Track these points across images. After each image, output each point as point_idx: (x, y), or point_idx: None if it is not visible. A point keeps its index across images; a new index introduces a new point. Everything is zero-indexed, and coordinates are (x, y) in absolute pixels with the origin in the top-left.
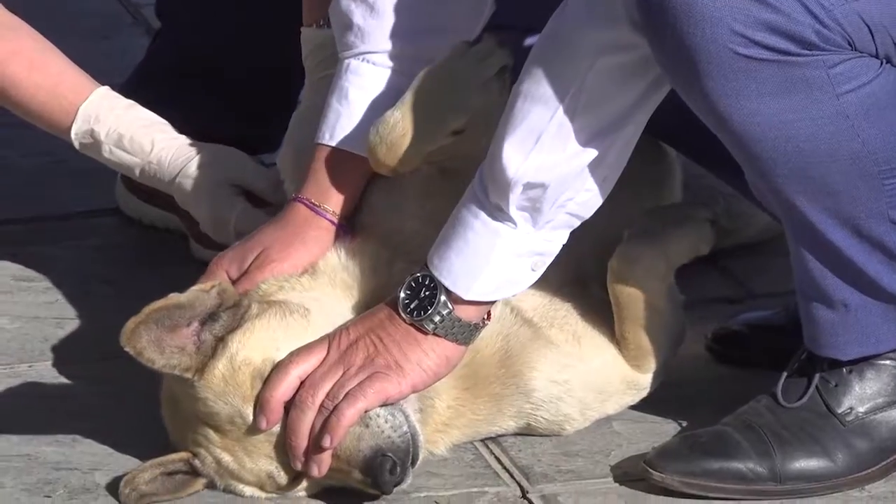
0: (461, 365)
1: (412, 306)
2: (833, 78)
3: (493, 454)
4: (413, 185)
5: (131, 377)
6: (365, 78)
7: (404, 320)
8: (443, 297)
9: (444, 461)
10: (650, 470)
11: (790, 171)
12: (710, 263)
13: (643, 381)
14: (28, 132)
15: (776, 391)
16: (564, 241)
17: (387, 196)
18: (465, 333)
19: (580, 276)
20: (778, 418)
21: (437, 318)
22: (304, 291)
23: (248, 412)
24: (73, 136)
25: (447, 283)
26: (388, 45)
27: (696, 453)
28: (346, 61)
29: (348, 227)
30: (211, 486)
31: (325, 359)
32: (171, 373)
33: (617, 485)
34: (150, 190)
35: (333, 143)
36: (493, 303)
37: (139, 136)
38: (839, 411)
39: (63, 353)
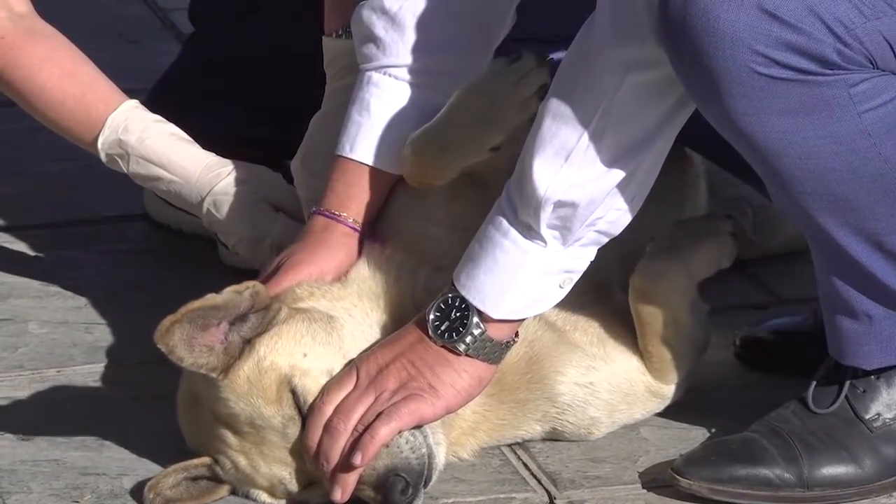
0: None
1: (443, 328)
2: (854, 97)
3: (521, 460)
4: (438, 190)
5: (159, 382)
6: (386, 91)
7: (435, 342)
8: (475, 319)
9: (471, 467)
10: (678, 476)
11: (812, 189)
12: (739, 270)
13: (667, 391)
14: (55, 137)
15: (806, 397)
16: (592, 258)
17: (411, 201)
18: (496, 353)
19: (603, 280)
20: (805, 424)
21: (468, 339)
22: (333, 301)
23: (269, 415)
24: (99, 146)
25: (476, 302)
26: (409, 59)
27: (724, 460)
28: (368, 73)
29: (373, 234)
30: (235, 492)
31: (356, 384)
32: (197, 371)
33: (644, 491)
34: None
35: (354, 156)
36: (522, 321)
37: (167, 149)
38: (867, 417)
39: (91, 358)
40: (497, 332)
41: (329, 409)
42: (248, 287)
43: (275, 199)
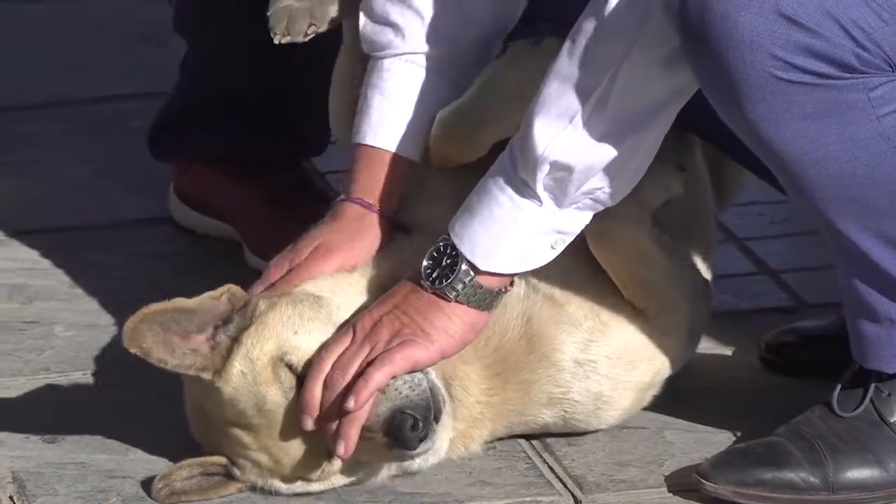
0: (490, 351)
1: (434, 275)
2: (873, 100)
3: (547, 463)
4: (467, 177)
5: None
6: (407, 79)
7: (426, 290)
8: (464, 266)
9: (497, 470)
10: (703, 480)
11: (831, 192)
12: (765, 273)
13: (669, 343)
14: (78, 140)
15: (831, 401)
16: (588, 223)
17: (421, 185)
18: (487, 300)
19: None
20: (830, 428)
21: (459, 286)
22: (336, 285)
23: (272, 395)
24: None
25: (467, 252)
26: (428, 46)
27: (749, 463)
28: (387, 61)
29: (400, 223)
30: (254, 488)
31: (352, 340)
32: (188, 373)
33: (670, 495)
34: (204, 200)
35: (377, 144)
36: (513, 275)
37: None
38: (892, 420)
39: (117, 361)
40: (487, 282)
41: (327, 366)
42: (224, 291)
43: None
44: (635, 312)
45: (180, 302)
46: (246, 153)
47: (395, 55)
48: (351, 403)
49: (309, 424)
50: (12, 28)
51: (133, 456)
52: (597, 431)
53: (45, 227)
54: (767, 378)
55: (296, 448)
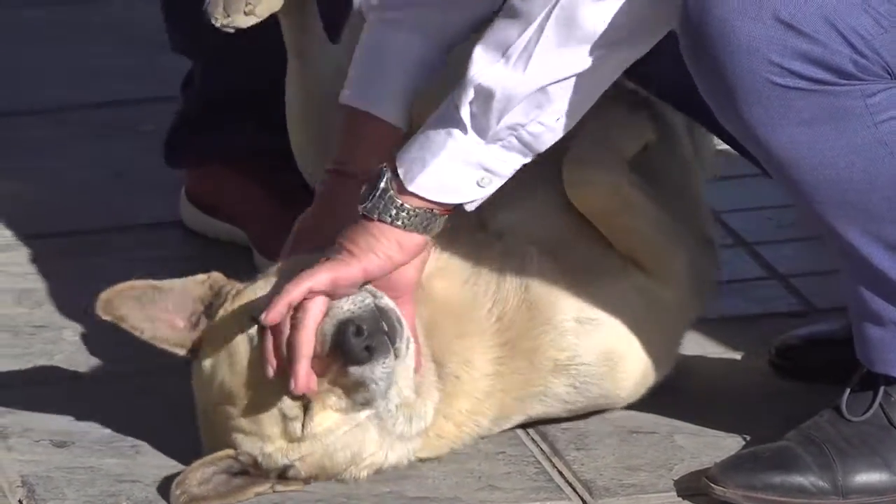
0: (492, 321)
1: (365, 197)
2: (871, 107)
3: (556, 468)
4: None
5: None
6: (393, 42)
7: (360, 214)
8: (383, 184)
9: (506, 475)
10: (712, 484)
11: (830, 197)
12: (774, 277)
13: (669, 295)
14: (85, 144)
15: (840, 405)
16: (517, 168)
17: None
18: (412, 220)
19: None
20: (840, 432)
21: (381, 205)
22: None
23: (241, 348)
24: None
25: (397, 171)
26: (415, 11)
27: (758, 467)
28: (375, 24)
29: None
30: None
31: (299, 280)
32: (163, 347)
33: (679, 499)
34: (214, 203)
35: (363, 107)
36: (440, 203)
37: None
38: None
39: (126, 366)
40: (410, 202)
41: (278, 308)
42: (206, 278)
43: None
44: (633, 268)
45: (159, 282)
46: (256, 153)
47: (382, 19)
48: (286, 328)
49: (270, 372)
50: (18, 32)
51: (142, 460)
52: (610, 424)
53: (54, 232)
54: (777, 382)
55: (270, 403)
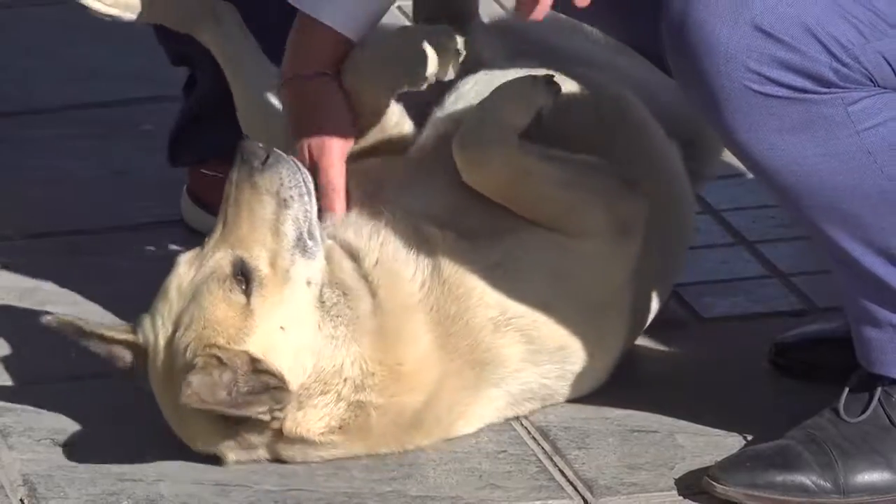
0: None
1: None
2: (853, 115)
3: (557, 467)
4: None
5: None
6: None
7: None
8: None
9: (507, 473)
10: (713, 483)
11: (818, 204)
12: (776, 276)
13: (586, 245)
14: (89, 143)
15: (838, 406)
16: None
17: None
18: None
19: None
20: (840, 431)
21: None
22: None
23: None
24: None
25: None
26: None
27: (759, 466)
28: None
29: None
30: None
31: None
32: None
33: (681, 498)
34: (215, 201)
35: (315, 15)
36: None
37: None
38: None
39: None
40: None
41: None
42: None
43: None
44: (546, 232)
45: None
46: None
47: None
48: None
49: None
50: (23, 31)
51: (143, 459)
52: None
53: (57, 231)
54: (778, 381)
55: None
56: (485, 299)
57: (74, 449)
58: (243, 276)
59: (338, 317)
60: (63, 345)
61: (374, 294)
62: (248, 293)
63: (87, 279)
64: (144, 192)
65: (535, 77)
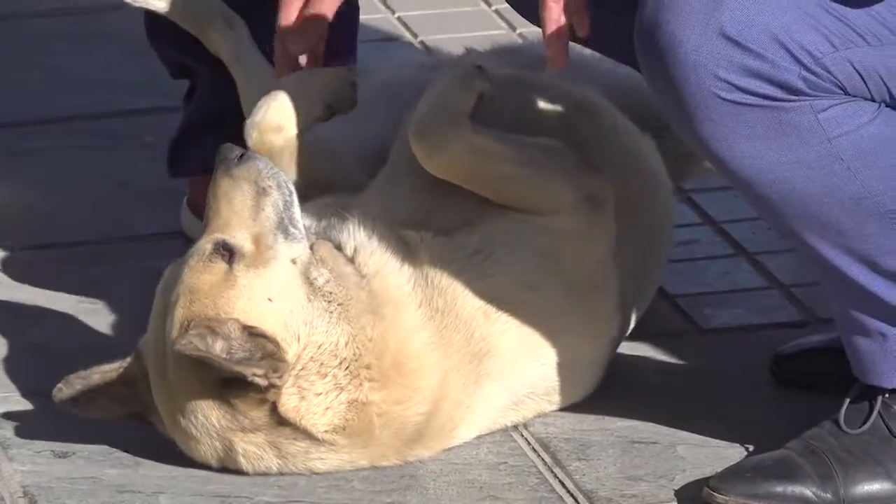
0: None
1: None
2: (823, 122)
3: (558, 478)
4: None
5: None
6: None
7: None
8: None
9: (508, 485)
10: (713, 493)
11: (794, 212)
12: (776, 287)
13: (562, 223)
14: (90, 154)
15: (839, 418)
16: None
17: None
18: None
19: None
20: (841, 443)
21: None
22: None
23: None
24: None
25: None
26: None
27: (759, 476)
28: None
29: None
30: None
31: None
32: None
33: None
34: None
35: None
36: None
37: None
38: None
39: None
40: None
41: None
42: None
43: None
44: (520, 217)
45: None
46: None
47: None
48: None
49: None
50: (24, 42)
51: (143, 471)
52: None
53: (58, 242)
54: (778, 392)
55: None
56: (470, 288)
57: (75, 461)
58: (226, 251)
59: (330, 293)
60: (63, 357)
61: (366, 280)
62: (230, 262)
63: (88, 290)
64: (145, 203)
65: (471, 66)
